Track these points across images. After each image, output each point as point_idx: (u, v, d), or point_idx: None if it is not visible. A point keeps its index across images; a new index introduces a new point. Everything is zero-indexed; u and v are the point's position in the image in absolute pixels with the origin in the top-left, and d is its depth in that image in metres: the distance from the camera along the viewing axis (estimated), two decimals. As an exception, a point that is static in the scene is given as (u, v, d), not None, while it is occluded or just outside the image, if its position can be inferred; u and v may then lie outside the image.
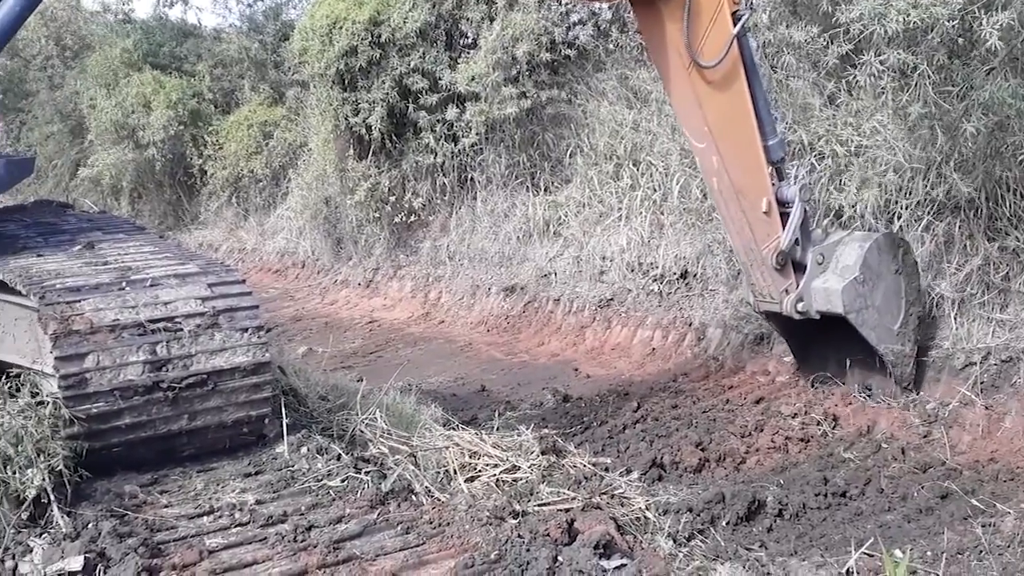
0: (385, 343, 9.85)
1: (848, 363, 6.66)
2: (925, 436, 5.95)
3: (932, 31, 5.77)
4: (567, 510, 3.68)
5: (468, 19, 10.74)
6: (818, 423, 6.29)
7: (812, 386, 6.81)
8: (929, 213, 6.69)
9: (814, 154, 7.17)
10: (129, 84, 15.54)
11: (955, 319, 6.50)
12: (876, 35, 5.92)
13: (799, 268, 6.35)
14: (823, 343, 6.74)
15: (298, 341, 9.87)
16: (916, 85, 6.13)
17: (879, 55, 6.09)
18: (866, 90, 6.66)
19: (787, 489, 5.28)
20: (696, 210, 8.53)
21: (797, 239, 6.30)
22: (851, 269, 6.18)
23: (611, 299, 9.07)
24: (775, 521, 5.00)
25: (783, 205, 6.25)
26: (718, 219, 7.65)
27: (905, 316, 6.36)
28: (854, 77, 6.50)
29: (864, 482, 5.38)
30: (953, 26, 5.67)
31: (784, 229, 6.23)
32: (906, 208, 6.74)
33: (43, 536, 3.52)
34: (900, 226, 6.76)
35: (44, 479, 3.61)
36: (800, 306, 6.30)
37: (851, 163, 6.90)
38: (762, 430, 6.21)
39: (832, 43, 6.58)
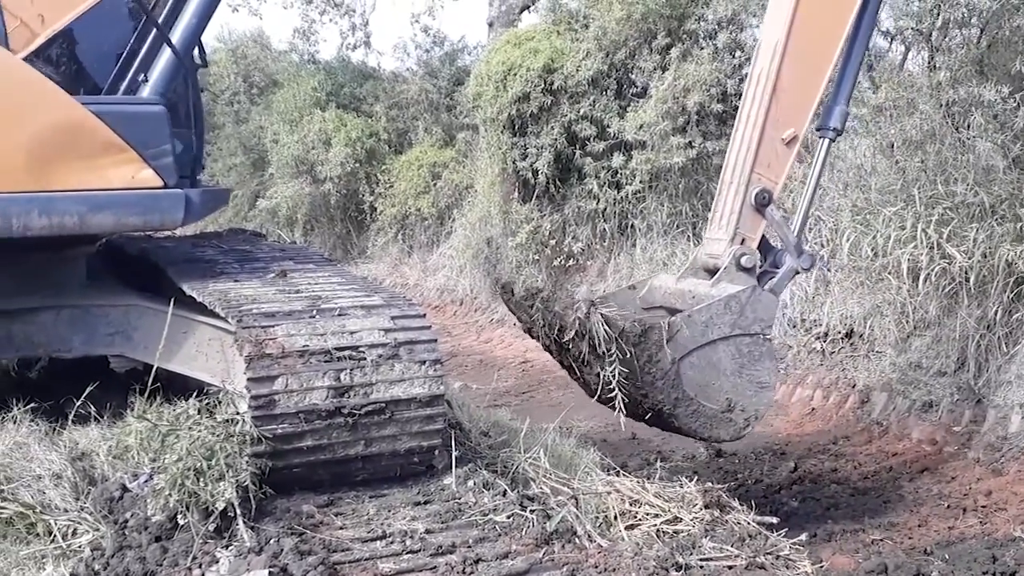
0: (537, 384, 9.92)
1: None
2: (1106, 521, 5.62)
3: None
4: (731, 567, 3.66)
5: (640, 68, 10.86)
6: (987, 495, 6.01)
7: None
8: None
9: (995, 217, 6.92)
10: (312, 121, 16.33)
11: None
12: (1071, 98, 5.73)
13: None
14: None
15: (453, 377, 10.05)
16: (1110, 152, 5.88)
17: (1073, 119, 5.88)
18: (1055, 154, 6.42)
19: (953, 564, 5.05)
20: (866, 268, 8.31)
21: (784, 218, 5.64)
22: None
23: (771, 354, 8.89)
24: (940, 596, 4.82)
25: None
26: (889, 279, 7.46)
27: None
28: (1044, 140, 6.29)
29: (1036, 564, 5.12)
30: None
31: (783, 173, 5.61)
32: (1094, 278, 6.44)
33: (229, 548, 3.68)
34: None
35: (232, 493, 3.81)
36: (744, 260, 5.39)
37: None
38: (926, 501, 5.99)
39: (1022, 105, 6.39)
